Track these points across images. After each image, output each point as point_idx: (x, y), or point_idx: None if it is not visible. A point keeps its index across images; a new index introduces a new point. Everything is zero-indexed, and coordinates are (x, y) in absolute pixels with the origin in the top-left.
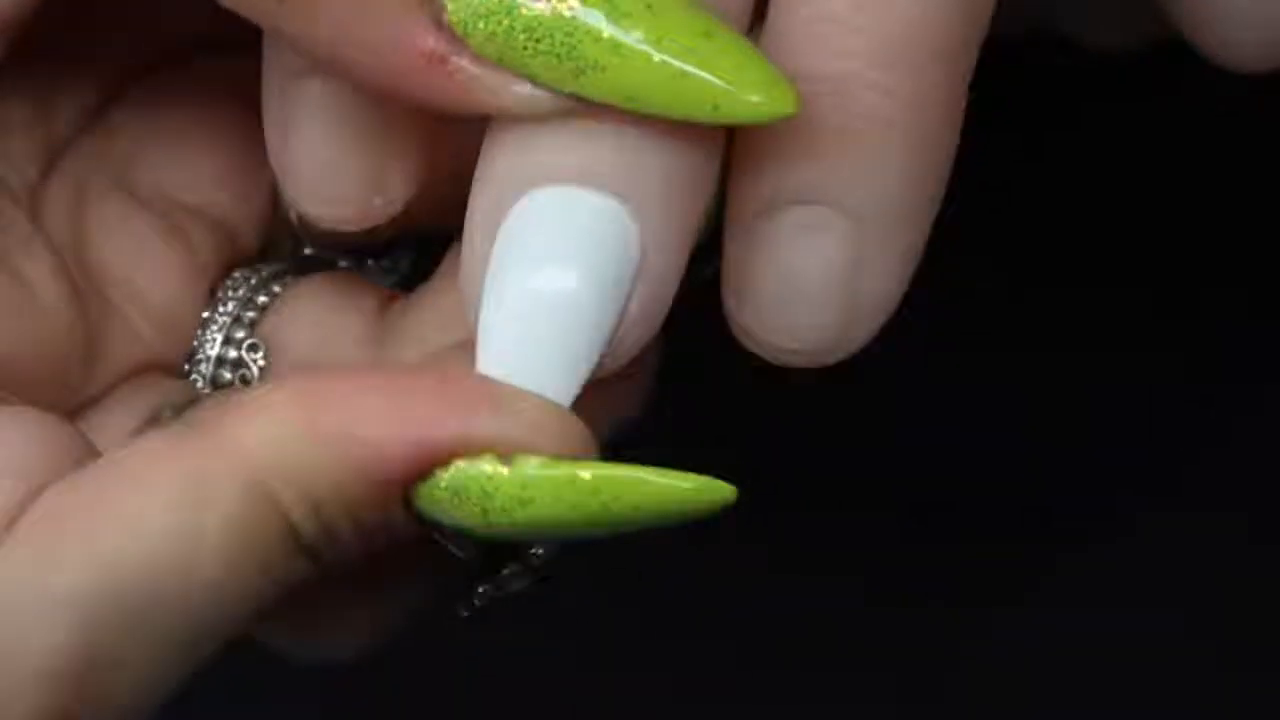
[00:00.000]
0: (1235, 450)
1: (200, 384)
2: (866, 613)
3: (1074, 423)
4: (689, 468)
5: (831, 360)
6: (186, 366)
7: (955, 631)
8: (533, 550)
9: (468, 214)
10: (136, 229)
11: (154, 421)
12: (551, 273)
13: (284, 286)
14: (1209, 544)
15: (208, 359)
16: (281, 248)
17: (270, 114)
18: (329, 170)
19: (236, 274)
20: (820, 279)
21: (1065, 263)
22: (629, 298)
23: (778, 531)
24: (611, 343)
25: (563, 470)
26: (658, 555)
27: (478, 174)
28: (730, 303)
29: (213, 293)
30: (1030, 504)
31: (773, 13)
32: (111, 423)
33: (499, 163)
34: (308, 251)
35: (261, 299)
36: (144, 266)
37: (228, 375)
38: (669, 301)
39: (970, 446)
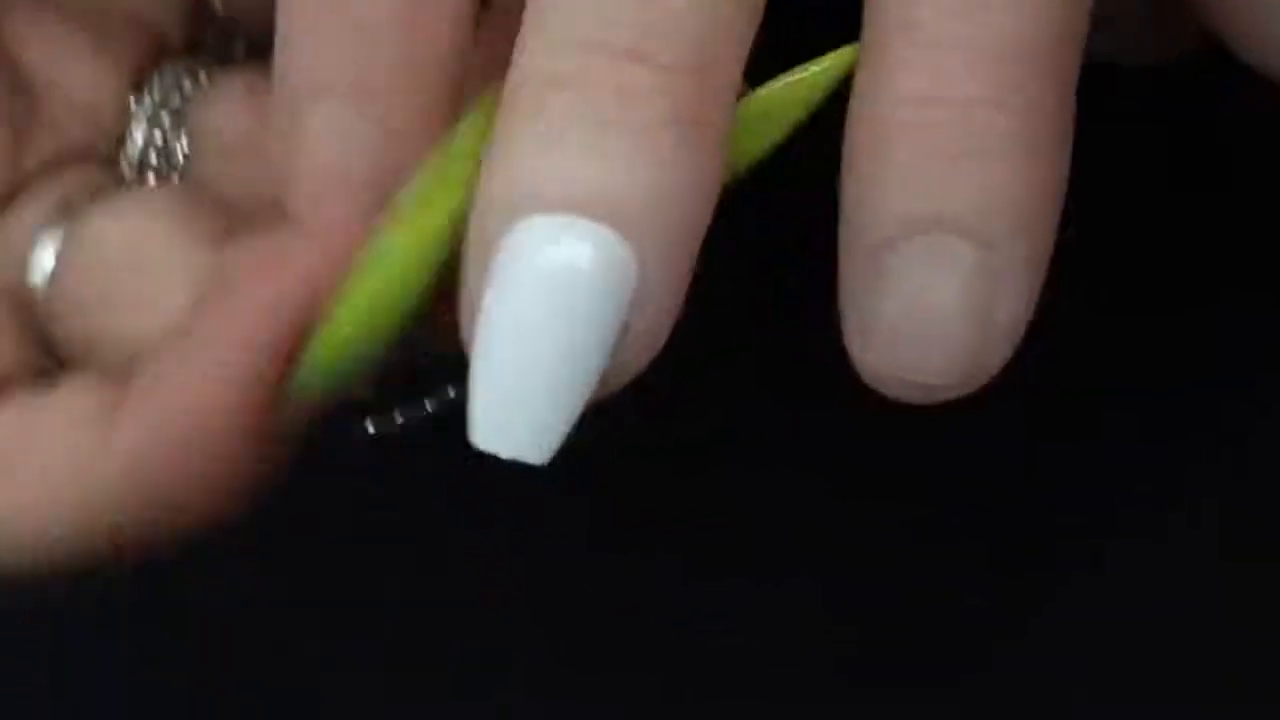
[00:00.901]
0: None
1: (128, 171)
2: (896, 609)
3: (1087, 419)
4: (695, 462)
5: (963, 393)
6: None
7: (988, 628)
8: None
9: (466, 241)
10: (62, 32)
11: (66, 209)
12: (546, 302)
13: (213, 77)
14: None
15: (135, 143)
16: (211, 49)
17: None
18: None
19: (165, 66)
20: (953, 308)
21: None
22: (628, 322)
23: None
24: (613, 364)
25: None
26: (666, 545)
27: (476, 200)
28: (855, 343)
29: (140, 87)
30: (1063, 502)
31: (867, 38)
32: (28, 213)
33: (489, 190)
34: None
35: (189, 86)
36: (70, 67)
37: (155, 160)
38: (669, 323)
39: (999, 445)
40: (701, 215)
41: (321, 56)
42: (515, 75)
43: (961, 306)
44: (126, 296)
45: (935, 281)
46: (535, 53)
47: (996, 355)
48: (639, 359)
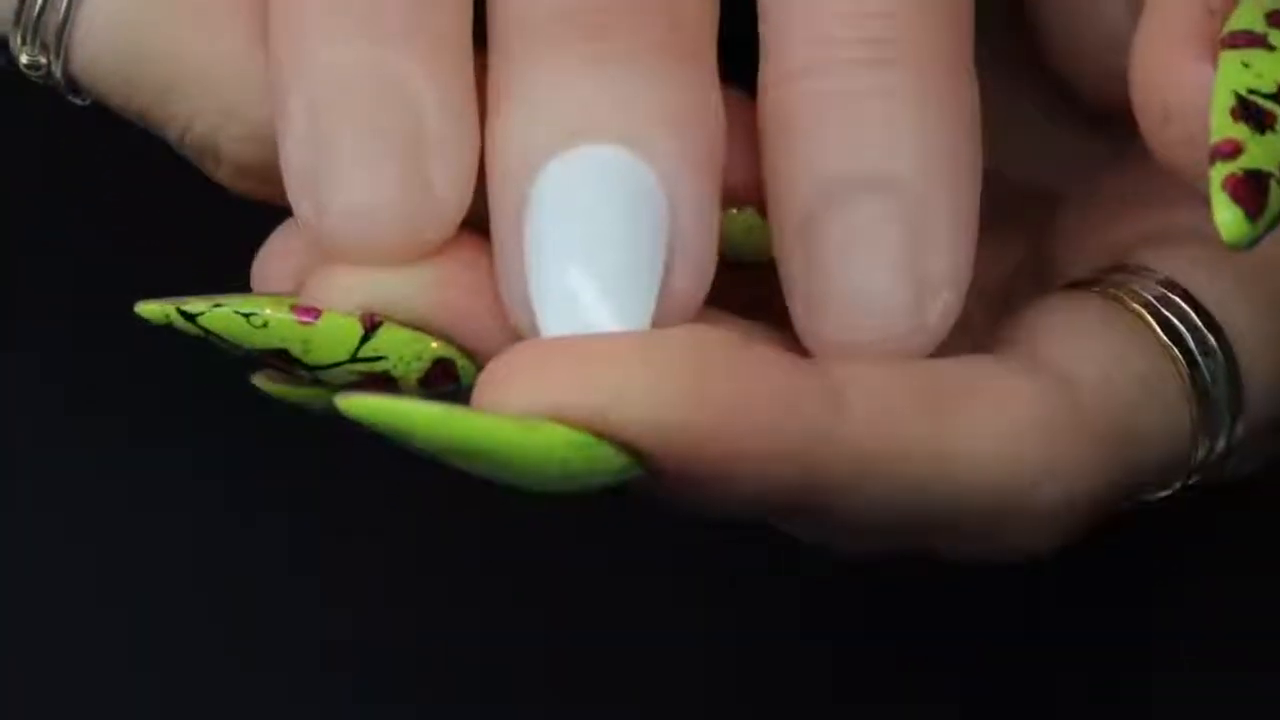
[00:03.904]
0: None
1: None
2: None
3: None
4: None
5: (910, 350)
6: None
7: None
8: None
9: (490, 206)
10: None
11: None
12: (591, 241)
13: None
14: None
15: None
16: None
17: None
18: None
19: None
20: (881, 265)
21: None
22: (670, 246)
23: None
24: (670, 276)
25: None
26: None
27: (489, 157)
28: (798, 315)
29: None
30: None
31: (760, 32)
32: None
33: (509, 137)
34: None
35: None
36: None
37: None
38: (714, 239)
39: None
40: (715, 121)
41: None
42: (498, 52)
43: (889, 262)
44: None
45: (859, 243)
46: (510, 29)
47: (935, 308)
48: (693, 274)
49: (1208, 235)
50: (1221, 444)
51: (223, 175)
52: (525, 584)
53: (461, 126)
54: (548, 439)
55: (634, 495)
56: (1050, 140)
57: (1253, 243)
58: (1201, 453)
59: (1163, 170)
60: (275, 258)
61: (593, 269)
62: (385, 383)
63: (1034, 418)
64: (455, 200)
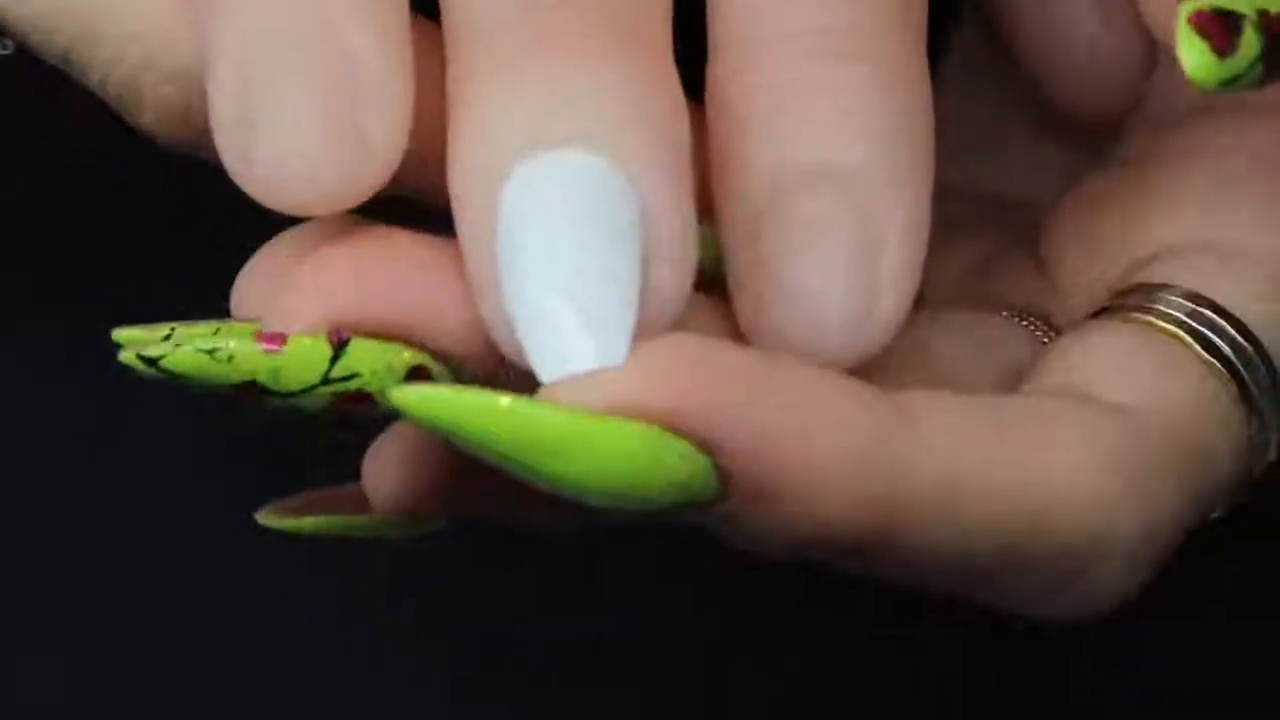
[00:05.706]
0: None
1: None
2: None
3: None
4: None
5: (861, 352)
6: None
7: None
8: None
9: (456, 218)
10: None
11: None
12: (566, 255)
13: None
14: None
15: None
16: None
17: None
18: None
19: None
20: (835, 252)
21: None
22: (647, 246)
23: None
24: (645, 293)
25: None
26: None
27: (450, 166)
28: (746, 316)
29: None
30: None
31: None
32: None
33: (470, 153)
34: None
35: None
36: None
37: None
38: (692, 232)
39: None
40: (681, 125)
41: None
42: (454, 71)
43: (839, 256)
44: None
45: (809, 236)
46: (462, 34)
47: (885, 305)
48: (674, 279)
49: (1221, 244)
50: (1274, 452)
51: (146, 121)
52: (525, 582)
53: (395, 70)
54: (617, 428)
55: (694, 529)
56: (1020, 151)
57: (1224, 84)
58: (1259, 463)
59: (1167, 178)
60: (257, 277)
61: (570, 285)
62: (361, 400)
63: (1105, 451)
64: (389, 146)
